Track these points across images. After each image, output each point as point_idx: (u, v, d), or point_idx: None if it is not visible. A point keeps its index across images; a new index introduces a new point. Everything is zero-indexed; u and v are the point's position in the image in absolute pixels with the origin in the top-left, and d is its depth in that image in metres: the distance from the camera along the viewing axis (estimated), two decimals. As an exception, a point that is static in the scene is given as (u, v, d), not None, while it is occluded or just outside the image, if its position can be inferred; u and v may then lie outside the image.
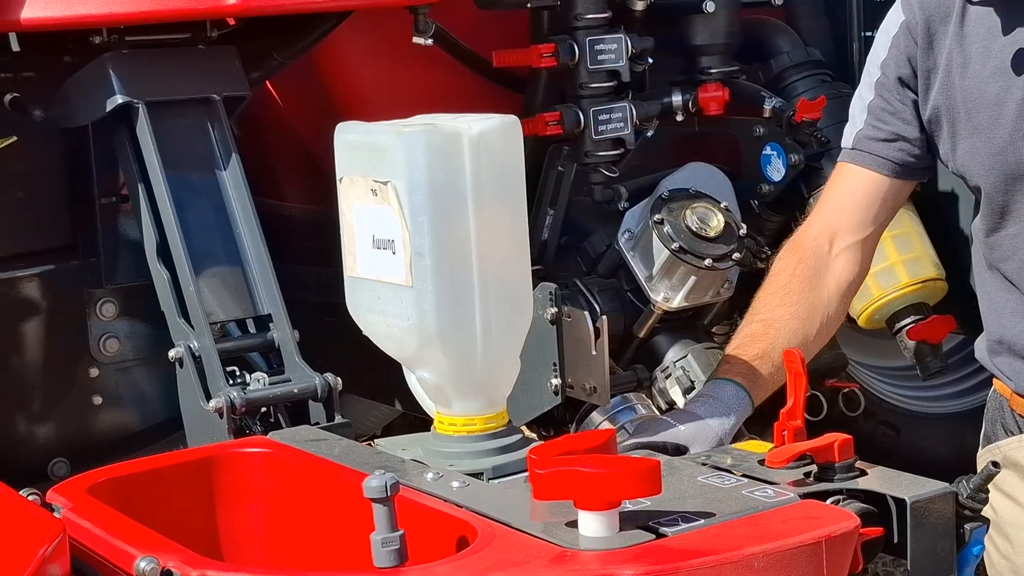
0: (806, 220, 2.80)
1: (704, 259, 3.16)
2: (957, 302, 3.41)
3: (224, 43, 3.05)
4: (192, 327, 2.75)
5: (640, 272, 3.23)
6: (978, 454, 2.73)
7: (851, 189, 2.72)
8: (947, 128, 2.60)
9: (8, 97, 3.02)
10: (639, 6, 3.43)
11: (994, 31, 2.52)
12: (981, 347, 2.71)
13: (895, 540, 2.00)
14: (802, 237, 2.75)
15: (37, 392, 3.18)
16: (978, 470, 2.20)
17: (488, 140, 2.18)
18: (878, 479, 2.04)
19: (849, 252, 2.71)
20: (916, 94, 2.64)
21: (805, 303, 2.67)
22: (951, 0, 2.57)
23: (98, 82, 2.91)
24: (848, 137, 2.72)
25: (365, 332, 2.32)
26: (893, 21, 2.67)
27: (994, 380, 2.70)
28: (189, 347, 2.73)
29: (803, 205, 3.46)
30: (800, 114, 3.39)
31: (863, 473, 2.06)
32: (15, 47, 3.04)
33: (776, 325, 2.65)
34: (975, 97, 2.54)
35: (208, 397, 2.68)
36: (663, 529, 1.86)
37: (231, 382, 2.70)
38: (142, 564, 1.84)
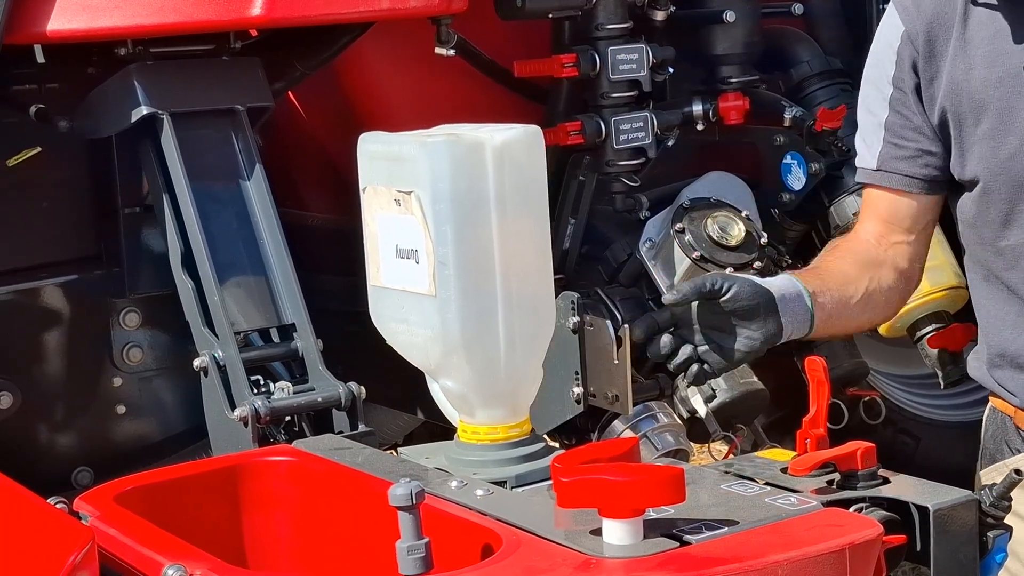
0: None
1: (725, 268, 3.15)
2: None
3: (247, 54, 3.07)
4: (217, 336, 2.76)
5: (661, 281, 3.23)
6: (980, 472, 2.70)
7: (883, 211, 2.68)
8: (955, 134, 2.56)
9: (33, 108, 3.03)
10: (660, 16, 3.44)
11: (1000, 35, 2.49)
12: (977, 363, 2.67)
13: (918, 548, 2.01)
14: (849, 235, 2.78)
15: (61, 401, 3.19)
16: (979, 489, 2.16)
17: (511, 150, 2.19)
18: (901, 487, 2.05)
19: (899, 246, 2.68)
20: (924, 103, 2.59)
21: (850, 257, 2.66)
22: (952, 5, 2.54)
23: (123, 93, 2.92)
24: (867, 157, 2.67)
25: (388, 341, 2.33)
26: (892, 34, 2.60)
27: (992, 398, 2.67)
28: (214, 356, 2.74)
29: (824, 214, 3.47)
30: (820, 123, 3.39)
31: (886, 481, 2.07)
32: (40, 59, 3.05)
33: (824, 268, 2.65)
34: (981, 102, 2.50)
35: (233, 406, 2.69)
36: (687, 537, 1.87)
37: (255, 391, 2.71)
38: (170, 572, 1.85)
